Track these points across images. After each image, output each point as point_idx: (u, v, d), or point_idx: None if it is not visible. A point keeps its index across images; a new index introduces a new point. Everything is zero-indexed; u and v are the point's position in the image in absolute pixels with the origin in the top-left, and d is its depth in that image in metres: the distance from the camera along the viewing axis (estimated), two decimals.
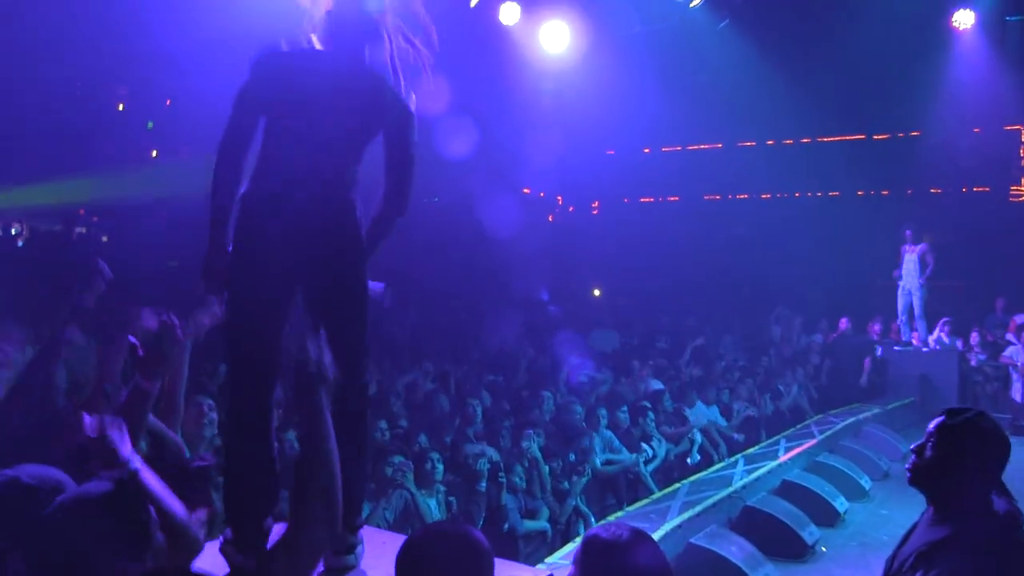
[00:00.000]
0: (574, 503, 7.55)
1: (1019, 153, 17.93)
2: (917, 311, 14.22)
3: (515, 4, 13.05)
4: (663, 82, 16.58)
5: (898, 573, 2.71)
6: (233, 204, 3.22)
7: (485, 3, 12.79)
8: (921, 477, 2.75)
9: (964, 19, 12.58)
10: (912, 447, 2.80)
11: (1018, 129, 17.82)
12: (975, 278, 16.64)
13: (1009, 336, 13.82)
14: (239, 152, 3.24)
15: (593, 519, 7.43)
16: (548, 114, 17.05)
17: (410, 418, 8.29)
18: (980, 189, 18.25)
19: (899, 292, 14.57)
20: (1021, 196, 17.89)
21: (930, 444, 2.72)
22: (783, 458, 9.06)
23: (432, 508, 6.26)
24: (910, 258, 14.35)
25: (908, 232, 14.50)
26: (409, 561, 2.15)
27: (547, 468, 7.43)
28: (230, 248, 3.23)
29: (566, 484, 7.59)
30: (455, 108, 17.81)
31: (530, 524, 6.84)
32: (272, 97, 3.26)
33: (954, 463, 2.67)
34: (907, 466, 2.82)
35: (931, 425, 2.75)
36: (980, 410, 2.75)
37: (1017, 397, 13.24)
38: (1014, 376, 13.25)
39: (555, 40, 13.65)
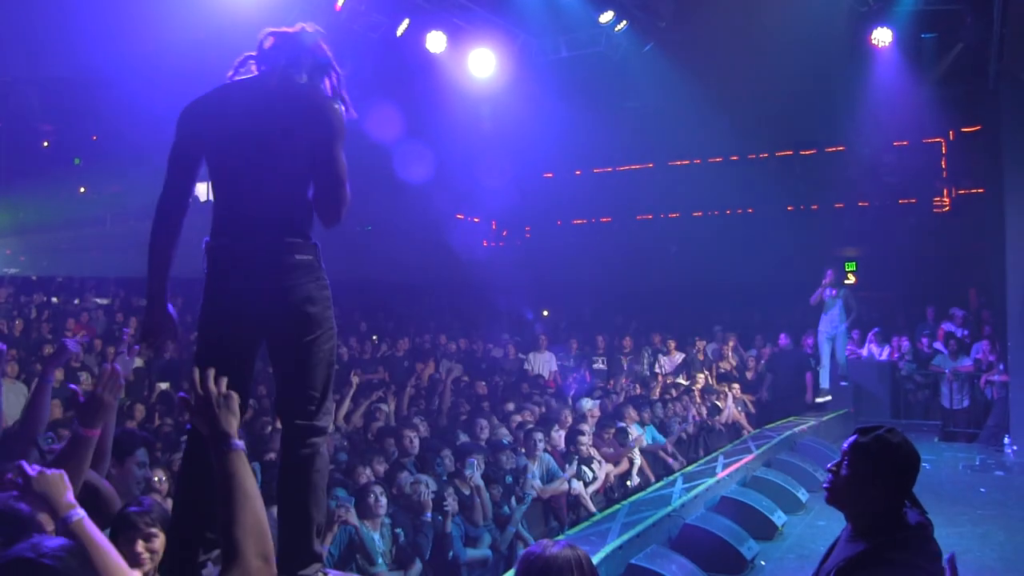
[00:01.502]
0: (514, 529, 7.48)
1: (940, 165, 18.41)
2: (839, 355, 13.81)
3: (440, 33, 13.06)
4: (592, 105, 16.72)
5: None
6: (167, 263, 3.27)
7: (412, 32, 12.78)
8: (837, 495, 2.78)
9: (882, 37, 12.86)
10: (828, 466, 2.83)
11: (938, 142, 18.30)
12: (904, 288, 17.01)
13: (937, 345, 14.12)
14: (172, 212, 3.26)
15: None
16: (480, 140, 17.09)
17: (351, 450, 8.18)
18: (906, 201, 18.68)
19: (819, 339, 13.84)
20: (944, 207, 18.36)
21: (844, 462, 2.75)
22: (721, 475, 9.09)
23: (376, 541, 6.15)
24: (832, 302, 13.64)
25: (829, 273, 13.66)
26: None
27: (488, 495, 7.35)
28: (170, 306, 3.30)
29: (506, 510, 7.53)
30: (387, 136, 17.92)
31: (472, 552, 6.75)
32: (201, 144, 3.29)
33: (867, 480, 2.69)
34: (824, 485, 2.84)
35: (845, 444, 2.79)
36: (890, 427, 2.78)
37: (946, 403, 13.52)
38: (943, 383, 13.53)
39: (482, 67, 13.70)
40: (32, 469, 2.62)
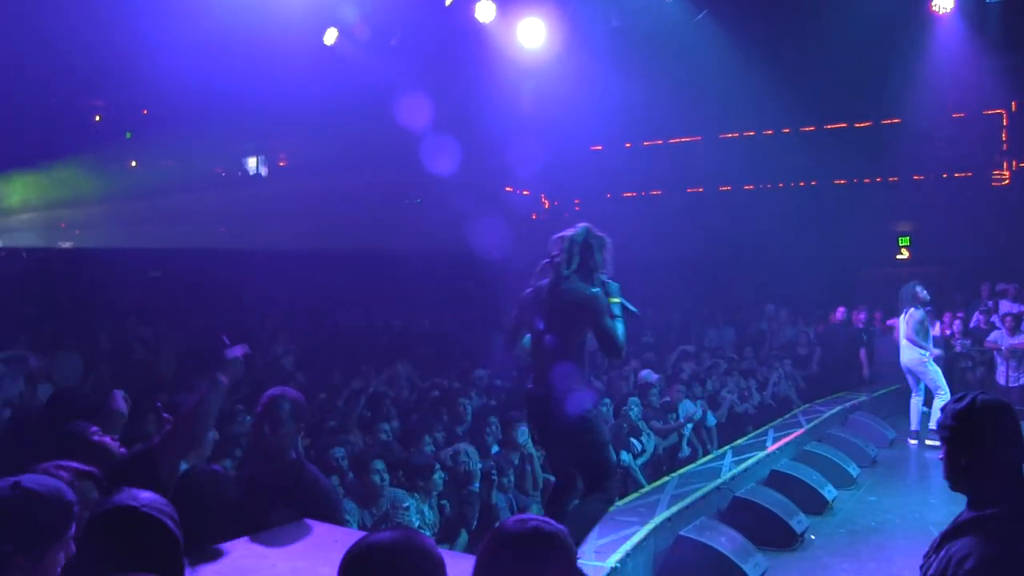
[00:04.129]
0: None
1: (1001, 137, 17.99)
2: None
3: (490, 2, 12.99)
4: (642, 76, 16.55)
5: (930, 553, 2.67)
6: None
7: (460, 2, 12.73)
8: (949, 477, 2.72)
9: (944, 3, 12.53)
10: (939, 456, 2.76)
11: (999, 113, 17.87)
12: (959, 264, 16.68)
13: (995, 319, 13.88)
14: (507, 347, 5.57)
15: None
16: (530, 112, 17.01)
17: (403, 422, 8.27)
18: (962, 175, 18.29)
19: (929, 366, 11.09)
20: (1003, 180, 17.96)
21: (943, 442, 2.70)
22: (771, 448, 9.06)
23: (425, 513, 6.21)
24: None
25: (920, 289, 11.07)
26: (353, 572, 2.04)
27: (538, 463, 7.40)
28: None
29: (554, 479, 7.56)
30: (436, 109, 17.92)
31: None
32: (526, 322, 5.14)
33: (961, 449, 2.64)
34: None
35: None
36: (976, 392, 2.70)
37: (1002, 380, 13.29)
38: (999, 360, 13.30)
39: (532, 37, 13.58)
40: None
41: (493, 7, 13.05)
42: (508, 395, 9.50)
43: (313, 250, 18.10)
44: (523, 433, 7.34)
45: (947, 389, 10.73)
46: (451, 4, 12.51)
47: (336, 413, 7.86)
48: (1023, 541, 2.48)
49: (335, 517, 4.10)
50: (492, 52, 14.06)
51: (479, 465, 6.63)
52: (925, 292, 11.02)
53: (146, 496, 2.41)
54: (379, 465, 5.91)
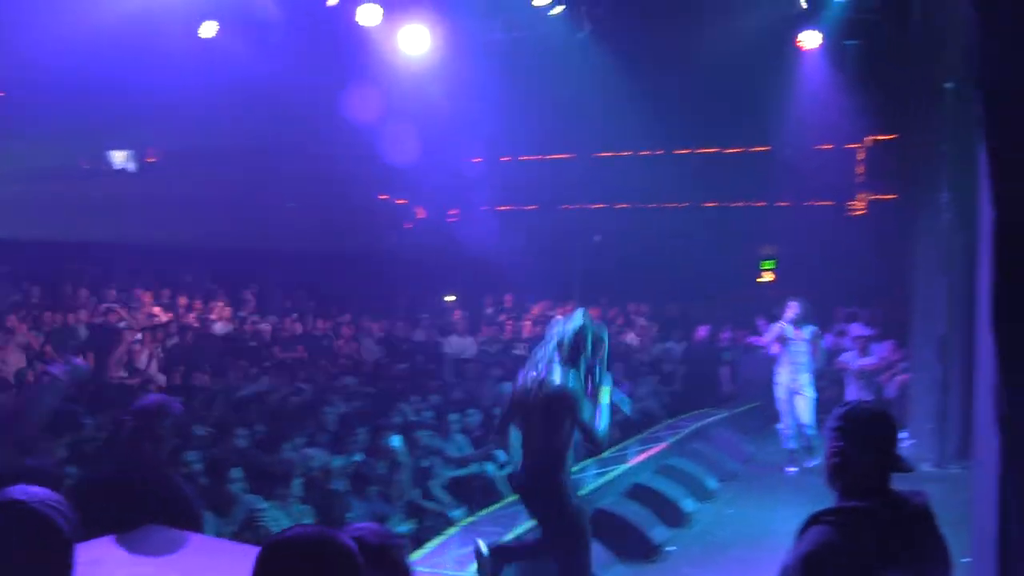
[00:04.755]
0: (426, 507, 7.49)
1: (856, 170, 18.89)
2: (805, 416, 10.60)
3: (375, 5, 12.80)
4: (524, 90, 16.70)
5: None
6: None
7: (344, 3, 12.54)
8: (826, 473, 2.93)
9: (810, 40, 13.08)
10: None
11: (855, 148, 18.77)
12: (817, 288, 17.36)
13: (846, 341, 14.52)
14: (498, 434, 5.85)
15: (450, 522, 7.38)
16: (409, 120, 16.94)
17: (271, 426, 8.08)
18: (823, 204, 19.11)
19: (777, 393, 10.92)
20: (858, 211, 18.84)
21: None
22: (633, 461, 9.23)
23: (282, 520, 6.07)
24: (797, 345, 10.72)
25: (794, 306, 10.88)
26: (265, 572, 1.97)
27: (408, 473, 7.35)
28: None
29: (417, 491, 7.53)
30: (314, 112, 17.65)
31: None
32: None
33: (838, 448, 2.84)
34: None
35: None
36: (862, 399, 2.92)
37: (852, 399, 13.89)
38: (849, 380, 13.91)
39: (415, 44, 13.45)
40: None
41: (379, 11, 12.86)
42: (375, 402, 9.40)
43: (179, 247, 17.60)
44: (394, 441, 7.30)
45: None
46: (335, 4, 12.29)
47: (194, 417, 7.62)
48: (864, 533, 2.63)
49: (198, 525, 3.96)
50: (374, 57, 13.90)
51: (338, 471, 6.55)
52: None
53: (37, 491, 2.27)
54: (236, 474, 5.75)
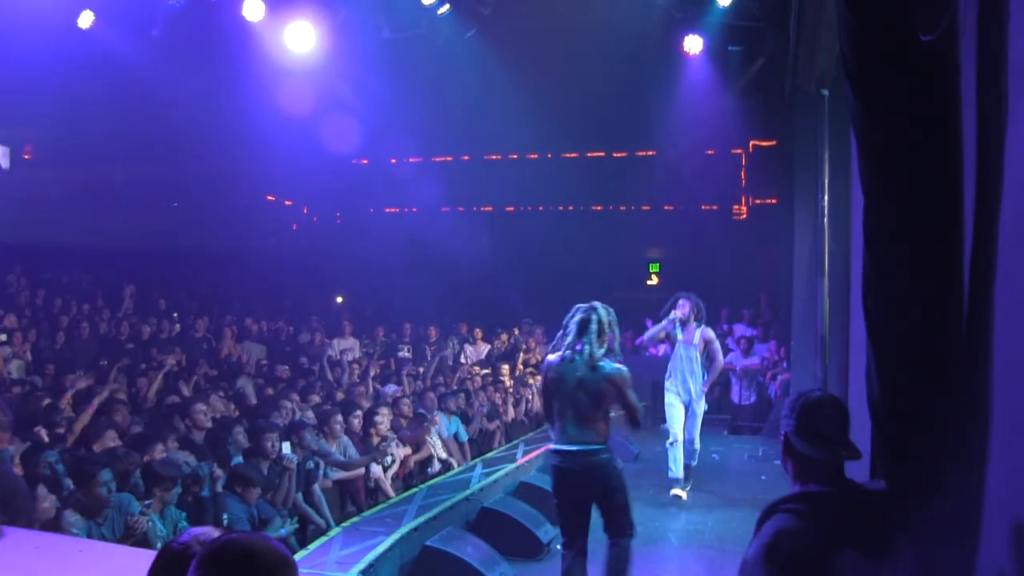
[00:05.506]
0: (307, 510, 7.31)
1: (740, 175, 19.36)
2: (689, 430, 9.36)
3: (259, 0, 12.47)
4: (411, 91, 16.58)
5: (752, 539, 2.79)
6: None
7: None
8: (782, 459, 2.97)
9: (693, 45, 13.27)
10: None
11: (739, 152, 19.25)
12: (702, 290, 17.67)
13: (729, 342, 14.85)
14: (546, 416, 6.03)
15: (331, 525, 7.22)
16: (295, 119, 16.63)
17: (145, 425, 7.77)
18: (708, 207, 19.51)
19: (666, 399, 9.51)
20: (742, 215, 19.30)
21: None
22: (520, 461, 9.22)
23: (157, 524, 5.82)
24: (687, 348, 9.36)
25: (684, 304, 9.46)
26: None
27: (295, 478, 7.16)
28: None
29: (299, 494, 7.34)
30: (198, 110, 17.15)
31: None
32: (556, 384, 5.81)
33: (784, 442, 2.90)
34: None
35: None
36: (816, 388, 2.91)
37: (736, 399, 14.26)
38: (733, 380, 14.23)
39: (300, 41, 13.13)
40: None
41: (262, 6, 12.51)
42: (260, 405, 9.15)
43: (55, 247, 16.95)
44: (280, 447, 7.11)
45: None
46: None
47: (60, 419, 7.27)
48: (823, 519, 2.64)
49: (30, 517, 3.90)
50: (259, 53, 13.54)
51: (207, 472, 6.33)
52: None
53: None
54: (106, 476, 5.48)
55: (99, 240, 17.48)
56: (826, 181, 11.92)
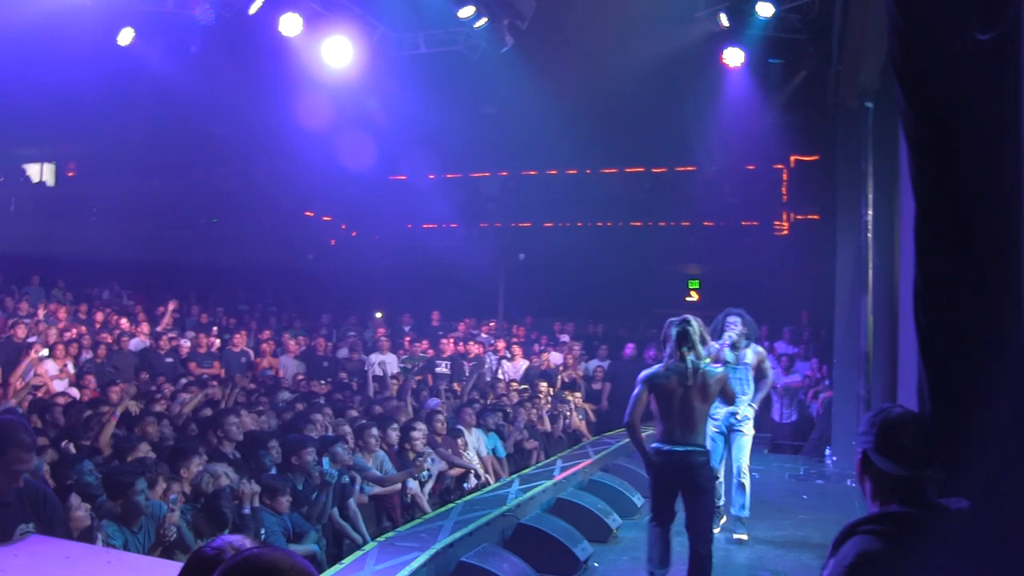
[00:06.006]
0: (342, 525, 7.25)
1: (781, 190, 19.12)
2: (736, 458, 8.40)
3: (296, 15, 12.49)
4: (449, 107, 16.61)
5: (826, 561, 2.64)
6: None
7: (266, 13, 12.22)
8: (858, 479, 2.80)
9: (734, 58, 13.09)
10: None
11: (780, 168, 19.03)
12: (742, 307, 17.42)
13: (770, 360, 14.61)
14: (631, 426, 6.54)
15: (367, 541, 7.15)
16: (334, 135, 16.72)
17: (177, 439, 7.78)
18: (748, 223, 19.27)
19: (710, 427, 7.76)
20: (783, 231, 19.05)
21: None
22: (558, 477, 9.08)
23: (186, 532, 5.79)
24: (738, 368, 8.39)
25: (733, 323, 8.54)
26: None
27: (331, 494, 7.11)
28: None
29: (334, 509, 7.28)
30: (238, 126, 17.32)
31: (296, 547, 6.44)
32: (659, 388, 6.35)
33: (861, 460, 2.73)
34: None
35: None
36: (894, 404, 2.74)
37: (776, 417, 14.03)
38: (774, 398, 14.00)
39: (338, 56, 13.13)
40: None
41: (300, 21, 12.55)
42: (293, 419, 9.12)
43: (98, 262, 17.20)
44: (320, 461, 7.09)
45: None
46: (256, 13, 11.98)
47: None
48: (908, 541, 2.47)
49: (64, 529, 3.95)
50: (296, 69, 13.61)
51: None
52: None
53: None
54: (141, 484, 5.48)
55: (140, 255, 17.71)
56: (870, 195, 11.75)
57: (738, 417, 8.34)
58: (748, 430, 8.40)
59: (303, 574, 1.87)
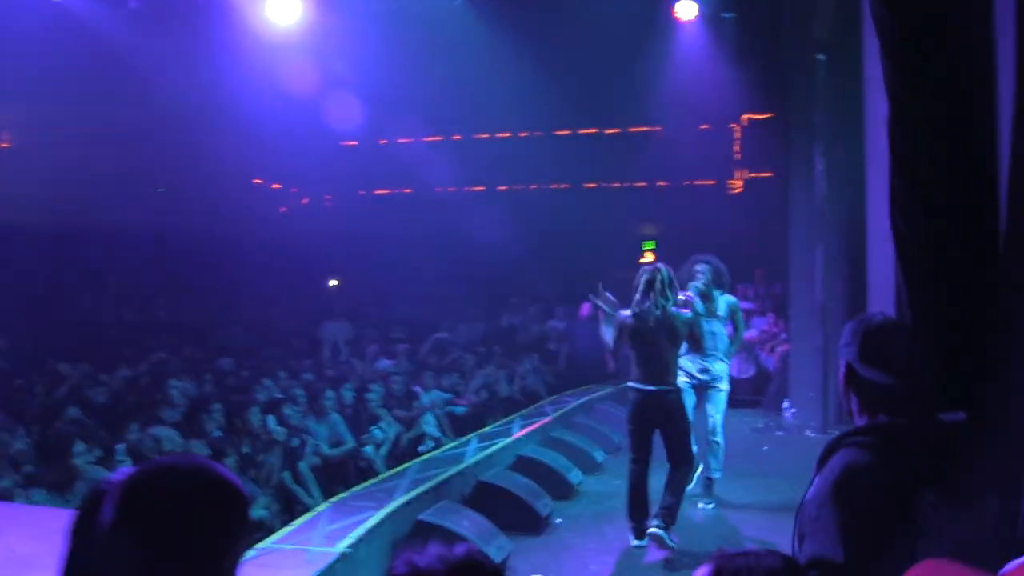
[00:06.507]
0: (294, 490, 7.03)
1: (734, 150, 19.04)
2: (712, 420, 7.79)
3: None
4: (399, 69, 16.21)
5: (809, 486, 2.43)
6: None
7: None
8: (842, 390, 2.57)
9: (686, 10, 12.88)
10: None
11: (732, 127, 18.94)
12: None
13: None
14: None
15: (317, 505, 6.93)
16: (282, 98, 16.27)
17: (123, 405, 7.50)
18: (703, 182, 19.18)
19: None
20: (736, 189, 19.00)
21: None
22: (517, 435, 8.93)
23: None
24: (710, 320, 7.77)
25: (703, 270, 7.82)
26: (131, 501, 1.62)
27: (278, 453, 6.87)
28: None
29: (287, 472, 7.05)
30: (179, 90, 16.76)
31: None
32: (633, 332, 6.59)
33: (846, 370, 2.52)
34: None
35: None
36: (872, 313, 2.52)
37: (734, 372, 13.92)
38: None
39: (285, 13, 12.67)
40: None
41: None
42: (239, 382, 8.86)
43: (36, 232, 16.63)
44: (264, 421, 6.85)
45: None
46: None
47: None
48: (899, 451, 2.29)
49: None
50: (241, 25, 13.12)
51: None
52: None
53: None
54: (79, 447, 5.22)
55: (82, 226, 17.18)
56: (822, 146, 11.67)
57: (712, 373, 7.72)
58: (724, 386, 7.82)
59: (201, 471, 1.66)
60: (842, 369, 2.51)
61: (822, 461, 2.36)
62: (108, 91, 16.90)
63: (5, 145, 23.36)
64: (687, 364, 7.58)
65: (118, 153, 20.07)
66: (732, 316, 8.03)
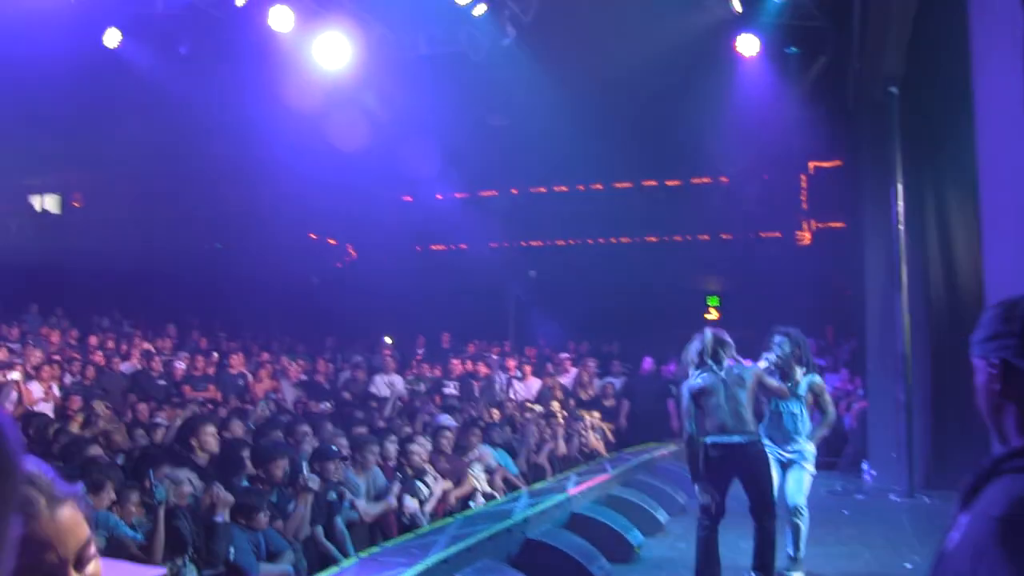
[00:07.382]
0: (325, 545, 6.46)
1: (800, 197, 18.36)
2: (791, 497, 7.02)
3: (287, 8, 11.63)
4: (453, 118, 15.92)
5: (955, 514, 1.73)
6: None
7: (253, 4, 11.47)
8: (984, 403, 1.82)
9: (749, 45, 12.32)
10: None
11: (799, 175, 18.30)
12: (766, 322, 16.56)
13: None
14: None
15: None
16: (337, 154, 16.10)
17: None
18: (768, 234, 18.50)
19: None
20: (805, 240, 18.27)
21: None
22: (572, 491, 8.26)
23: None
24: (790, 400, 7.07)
25: (780, 341, 7.25)
26: None
27: (310, 508, 6.33)
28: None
29: (319, 527, 6.49)
30: (237, 147, 16.71)
31: (268, 567, 5.64)
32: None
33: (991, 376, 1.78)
34: None
35: None
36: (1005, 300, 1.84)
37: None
38: None
39: (333, 57, 12.28)
40: None
41: (291, 14, 11.69)
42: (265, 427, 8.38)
43: (97, 288, 16.73)
44: (302, 470, 6.36)
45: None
46: (244, 4, 11.24)
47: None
48: None
49: None
50: (290, 70, 12.85)
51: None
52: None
53: None
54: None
55: (144, 281, 17.29)
56: (899, 188, 10.98)
57: (797, 452, 7.00)
58: (808, 467, 7.05)
59: None
60: (989, 371, 1.81)
61: (970, 493, 1.69)
62: (166, 148, 17.01)
63: (76, 204, 23.75)
64: (768, 447, 6.86)
65: (178, 209, 20.18)
66: (817, 399, 7.16)
